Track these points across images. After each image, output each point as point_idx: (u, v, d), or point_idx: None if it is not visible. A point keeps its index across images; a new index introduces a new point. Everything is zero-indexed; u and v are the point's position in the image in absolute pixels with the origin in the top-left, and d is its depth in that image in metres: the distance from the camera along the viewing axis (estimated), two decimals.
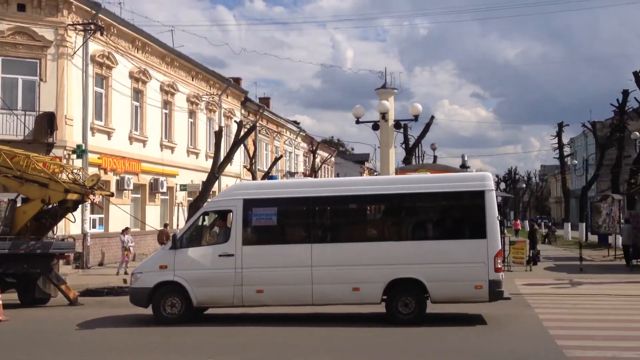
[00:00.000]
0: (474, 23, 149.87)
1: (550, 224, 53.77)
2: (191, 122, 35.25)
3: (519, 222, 59.61)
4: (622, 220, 28.18)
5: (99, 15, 25.42)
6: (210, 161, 28.00)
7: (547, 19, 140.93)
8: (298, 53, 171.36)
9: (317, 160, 51.60)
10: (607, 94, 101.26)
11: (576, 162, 57.45)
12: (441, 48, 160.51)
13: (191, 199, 29.56)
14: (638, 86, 35.09)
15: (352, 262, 12.87)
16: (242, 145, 28.41)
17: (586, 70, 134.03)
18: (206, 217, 14.21)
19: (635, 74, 35.15)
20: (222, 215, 13.89)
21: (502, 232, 27.89)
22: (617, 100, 38.56)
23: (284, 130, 53.16)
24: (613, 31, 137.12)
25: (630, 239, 25.37)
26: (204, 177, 27.24)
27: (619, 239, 27.53)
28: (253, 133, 33.74)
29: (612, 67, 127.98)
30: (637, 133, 37.16)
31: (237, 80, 43.64)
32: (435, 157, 44.04)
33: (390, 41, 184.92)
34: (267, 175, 33.67)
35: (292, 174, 51.05)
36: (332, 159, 71.20)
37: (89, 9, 25.10)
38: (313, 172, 48.22)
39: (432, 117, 38.27)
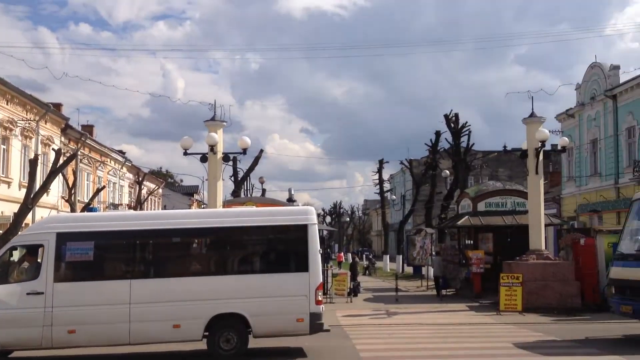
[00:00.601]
0: (303, 61, 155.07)
1: (371, 256, 56.29)
2: (4, 148, 32.66)
3: (342, 254, 61.81)
4: (433, 253, 30.14)
5: None
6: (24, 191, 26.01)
7: (369, 62, 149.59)
8: (127, 80, 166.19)
9: (144, 191, 50.02)
10: (423, 134, 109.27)
11: (394, 197, 60.97)
12: (272, 83, 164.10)
13: (1, 231, 27.18)
14: (448, 128, 38.25)
15: (173, 298, 12.54)
16: (60, 174, 26.76)
17: (405, 111, 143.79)
18: (14, 252, 13.17)
19: (445, 116, 38.32)
20: (33, 250, 12.96)
21: (327, 265, 28.92)
22: (431, 140, 41.59)
23: (109, 160, 50.95)
24: (428, 76, 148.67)
25: (440, 270, 27.23)
26: (16, 208, 25.22)
27: (431, 270, 29.39)
28: (73, 162, 31.97)
29: (427, 108, 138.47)
30: (447, 171, 40.30)
31: (57, 106, 41.16)
32: (264, 191, 44.58)
33: (222, 73, 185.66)
34: (87, 207, 31.99)
35: (115, 206, 48.88)
36: (160, 190, 69.36)
37: None
38: (139, 204, 46.58)
39: (262, 151, 38.91)
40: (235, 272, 13.29)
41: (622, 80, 35.54)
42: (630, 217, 15.20)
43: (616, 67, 36.54)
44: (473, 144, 39.13)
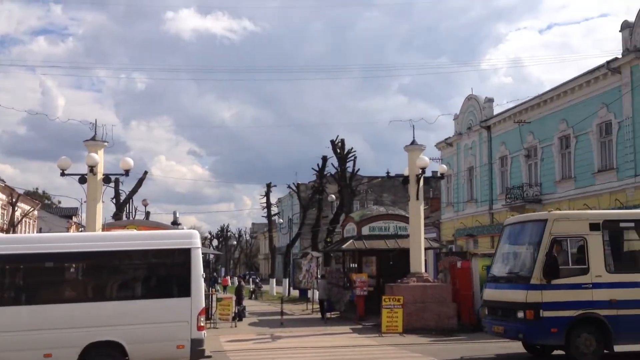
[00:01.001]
0: (191, 82, 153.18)
1: (257, 279, 56.00)
2: None
3: (227, 278, 61.11)
4: (319, 276, 30.41)
5: None
6: None
7: (259, 86, 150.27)
8: (2, 97, 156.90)
9: (18, 213, 47.25)
10: (311, 158, 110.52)
11: (282, 220, 61.19)
12: (159, 103, 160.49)
13: None
14: (334, 153, 39.02)
15: (45, 326, 11.91)
16: None
17: (293, 135, 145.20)
18: None
19: (332, 142, 39.11)
20: None
21: (212, 289, 28.43)
22: (318, 164, 42.27)
23: None
24: (316, 102, 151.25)
25: (325, 293, 27.50)
26: None
27: (317, 294, 29.61)
28: None
29: (315, 133, 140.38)
30: (333, 196, 41.00)
31: None
32: (148, 213, 43.36)
33: (106, 92, 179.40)
34: None
35: None
36: (35, 212, 65.73)
37: None
38: (12, 226, 43.94)
39: (145, 172, 37.88)
40: (113, 298, 12.84)
41: (495, 112, 37.78)
42: (502, 241, 16.05)
43: (490, 100, 38.81)
44: (358, 169, 40.20)
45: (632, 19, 26.76)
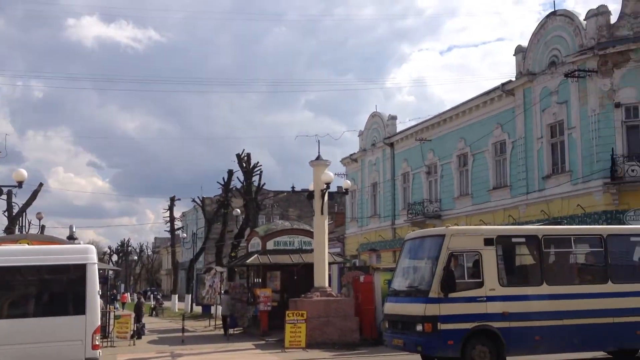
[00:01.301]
0: (92, 92, 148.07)
1: (159, 296, 54.61)
2: None
3: (127, 294, 59.28)
4: (222, 291, 30.03)
5: None
6: None
7: (164, 97, 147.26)
8: None
9: None
10: (217, 172, 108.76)
11: (185, 235, 60.12)
12: (58, 113, 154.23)
13: None
14: (240, 167, 38.81)
15: None
16: None
17: (200, 148, 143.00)
18: None
19: (238, 156, 38.89)
20: None
21: (111, 306, 27.42)
22: (223, 178, 41.86)
23: None
24: (223, 115, 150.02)
25: (228, 309, 27.16)
26: None
27: (220, 309, 29.21)
28: None
29: (222, 147, 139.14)
30: (239, 210, 40.68)
31: None
32: (43, 227, 41.35)
33: (0, 100, 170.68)
34: None
35: None
36: None
37: None
38: None
39: (41, 184, 36.12)
40: (3, 316, 12.14)
41: (398, 130, 38.86)
42: (402, 256, 16.41)
43: (394, 118, 39.88)
44: (264, 183, 40.12)
45: (525, 43, 28.30)
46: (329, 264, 24.70)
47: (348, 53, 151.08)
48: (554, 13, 26.87)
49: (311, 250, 24.64)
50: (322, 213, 22.94)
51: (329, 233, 26.54)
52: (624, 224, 22.34)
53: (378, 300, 21.95)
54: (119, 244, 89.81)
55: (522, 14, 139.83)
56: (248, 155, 39.21)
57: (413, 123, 36.82)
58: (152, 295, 53.59)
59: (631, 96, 23.87)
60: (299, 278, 25.42)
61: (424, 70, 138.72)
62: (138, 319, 26.50)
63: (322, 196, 22.85)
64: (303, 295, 22.38)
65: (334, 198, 54.43)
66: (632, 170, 23.09)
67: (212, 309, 33.53)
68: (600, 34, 24.39)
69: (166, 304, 49.42)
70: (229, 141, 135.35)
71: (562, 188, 25.44)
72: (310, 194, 23.34)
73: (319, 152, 23.51)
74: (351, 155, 44.42)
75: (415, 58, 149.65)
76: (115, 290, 60.24)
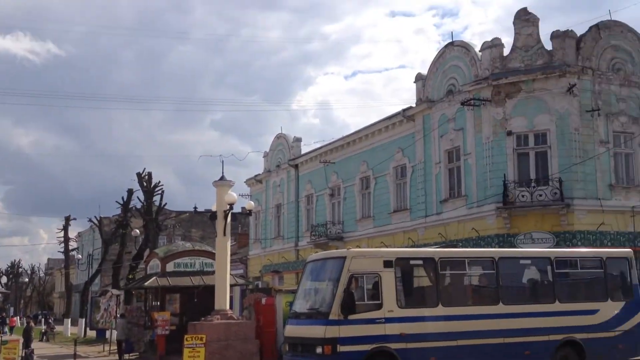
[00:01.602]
0: None
1: (50, 320, 51.97)
2: None
3: (16, 318, 56.11)
4: (118, 315, 28.96)
5: None
6: None
7: (61, 113, 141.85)
8: None
9: None
10: (117, 191, 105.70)
11: (80, 256, 57.73)
12: None
13: None
14: (140, 186, 37.82)
15: None
16: None
17: (99, 166, 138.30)
18: None
19: (138, 174, 37.92)
20: None
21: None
22: (123, 197, 40.62)
23: None
24: (125, 133, 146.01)
25: (124, 333, 26.16)
26: None
27: (115, 334, 28.14)
28: None
29: (123, 165, 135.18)
30: (138, 231, 39.51)
31: None
32: None
33: None
34: None
35: None
36: None
37: None
38: None
39: None
40: None
41: (303, 152, 39.15)
42: (304, 277, 16.40)
43: (299, 139, 40.18)
44: (165, 203, 39.23)
45: (425, 71, 29.33)
46: (231, 285, 24.33)
47: (254, 74, 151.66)
48: (452, 44, 28.04)
49: (213, 272, 24.19)
50: (224, 234, 22.60)
51: (232, 254, 26.27)
52: (515, 247, 23.38)
53: (279, 323, 21.80)
54: (9, 265, 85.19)
55: (422, 43, 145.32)
56: (149, 174, 38.31)
57: (318, 145, 37.26)
58: (43, 319, 50.82)
59: (522, 125, 25.15)
60: (199, 301, 24.88)
61: (329, 94, 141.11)
62: (27, 344, 25.12)
63: (225, 217, 22.54)
64: (203, 319, 21.91)
65: (237, 219, 53.93)
66: (522, 196, 24.26)
67: (107, 333, 32.25)
68: (494, 65, 25.65)
69: (58, 328, 47.05)
70: (131, 159, 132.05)
71: (458, 212, 26.37)
72: (213, 215, 22.98)
73: (222, 173, 23.23)
74: (256, 176, 44.28)
75: (320, 82, 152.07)
76: (4, 314, 56.91)
